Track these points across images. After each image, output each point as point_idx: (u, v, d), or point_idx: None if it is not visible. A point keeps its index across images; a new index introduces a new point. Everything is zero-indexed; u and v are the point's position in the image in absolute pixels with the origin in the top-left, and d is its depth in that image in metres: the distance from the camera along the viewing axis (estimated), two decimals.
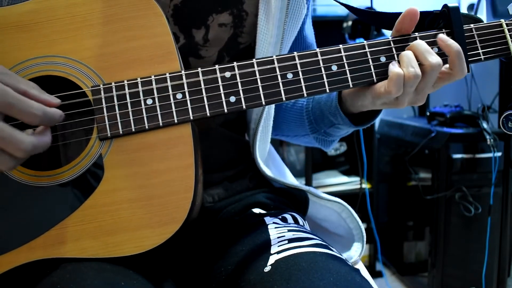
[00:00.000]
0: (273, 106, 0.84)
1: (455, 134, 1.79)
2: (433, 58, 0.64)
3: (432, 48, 0.67)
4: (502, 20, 0.69)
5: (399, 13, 0.70)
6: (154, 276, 0.64)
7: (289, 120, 0.91)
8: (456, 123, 1.87)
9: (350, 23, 2.03)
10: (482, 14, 1.82)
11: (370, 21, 0.78)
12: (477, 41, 0.68)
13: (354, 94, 0.73)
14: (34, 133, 0.57)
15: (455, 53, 0.65)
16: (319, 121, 0.84)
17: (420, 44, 0.65)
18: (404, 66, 0.64)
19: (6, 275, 0.60)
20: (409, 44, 0.67)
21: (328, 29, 1.97)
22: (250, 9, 0.77)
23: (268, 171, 0.83)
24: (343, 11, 2.09)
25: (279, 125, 0.92)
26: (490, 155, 1.76)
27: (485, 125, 1.78)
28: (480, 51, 0.68)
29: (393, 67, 0.65)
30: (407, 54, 0.65)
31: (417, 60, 0.65)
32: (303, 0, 0.78)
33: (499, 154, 1.74)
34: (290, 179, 0.93)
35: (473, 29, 0.69)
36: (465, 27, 0.68)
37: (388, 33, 1.98)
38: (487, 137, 1.74)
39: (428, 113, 1.99)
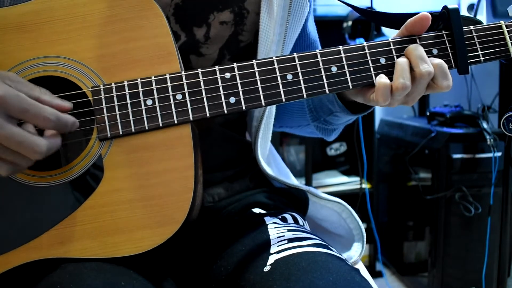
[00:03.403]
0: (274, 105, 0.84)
1: (455, 134, 1.79)
2: (425, 66, 0.64)
3: (431, 50, 0.67)
4: (502, 22, 0.69)
5: (401, 14, 0.70)
6: (154, 276, 0.64)
7: (292, 111, 0.91)
8: (456, 123, 1.87)
9: (350, 23, 2.03)
10: (482, 14, 1.82)
11: (373, 20, 0.78)
12: (477, 42, 0.68)
13: (348, 92, 0.73)
14: (47, 135, 0.59)
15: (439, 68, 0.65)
16: (319, 110, 0.84)
17: (416, 49, 0.65)
18: (395, 76, 0.64)
19: (6, 275, 0.61)
20: (408, 45, 0.67)
21: (328, 29, 1.96)
22: (251, 7, 0.77)
23: (269, 170, 0.83)
24: (343, 11, 2.09)
25: (282, 116, 0.93)
26: (490, 155, 1.75)
27: (485, 125, 1.78)
28: (480, 52, 0.68)
29: (380, 79, 0.65)
30: (401, 63, 0.65)
31: (410, 65, 0.65)
32: None
33: (499, 154, 1.74)
34: (291, 179, 0.93)
35: (473, 31, 0.68)
36: (465, 28, 0.68)
37: (388, 32, 1.99)
38: (487, 137, 1.74)
39: (428, 113, 1.99)
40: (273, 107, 0.84)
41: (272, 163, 0.92)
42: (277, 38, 0.76)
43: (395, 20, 0.72)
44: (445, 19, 0.68)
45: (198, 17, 0.75)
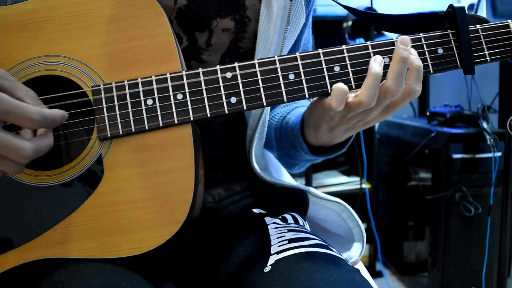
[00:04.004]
0: (269, 112, 0.84)
1: (455, 134, 1.79)
2: (394, 83, 0.62)
3: (437, 49, 0.67)
4: (509, 21, 0.68)
5: (399, 15, 0.70)
6: (155, 276, 0.64)
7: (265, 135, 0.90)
8: (456, 123, 1.87)
9: (350, 23, 2.02)
10: (482, 14, 1.82)
11: (371, 22, 0.78)
12: (483, 42, 0.67)
13: (312, 112, 0.72)
14: (36, 136, 0.56)
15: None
16: (284, 140, 0.83)
17: (397, 59, 0.62)
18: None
19: (6, 275, 0.60)
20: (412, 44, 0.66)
21: (328, 29, 1.96)
22: (252, 15, 0.77)
23: (266, 176, 0.83)
24: (343, 11, 2.07)
25: None
26: (490, 155, 1.76)
27: (485, 125, 1.78)
28: (486, 52, 0.68)
29: (339, 84, 0.63)
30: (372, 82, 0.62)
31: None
32: (302, 10, 0.78)
33: (499, 154, 1.74)
34: (289, 180, 0.93)
35: (479, 30, 0.68)
36: (471, 27, 0.67)
37: (388, 32, 1.99)
38: (487, 137, 1.74)
39: (428, 113, 1.99)
40: (267, 116, 0.83)
41: (269, 166, 0.92)
42: (275, 47, 0.76)
43: (394, 22, 0.72)
44: (451, 18, 0.67)
45: (201, 22, 0.75)
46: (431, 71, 0.67)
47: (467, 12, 0.66)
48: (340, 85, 0.62)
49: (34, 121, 0.54)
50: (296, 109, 0.85)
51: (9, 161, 0.54)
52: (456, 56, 0.67)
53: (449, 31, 0.67)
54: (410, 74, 0.63)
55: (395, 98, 0.63)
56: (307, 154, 0.78)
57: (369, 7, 1.87)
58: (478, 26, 0.68)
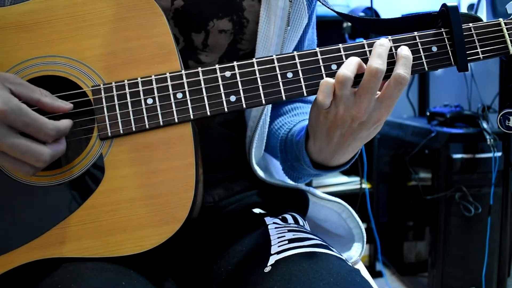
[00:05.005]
0: (269, 113, 0.83)
1: (455, 134, 1.79)
2: (375, 62, 0.62)
3: (431, 47, 0.67)
4: (501, 19, 0.69)
5: (393, 19, 0.70)
6: (155, 276, 0.64)
7: (271, 144, 0.90)
8: (456, 123, 1.87)
9: (349, 23, 2.03)
10: (482, 14, 1.82)
11: (367, 28, 0.78)
12: (476, 40, 0.68)
13: (309, 115, 0.71)
14: (51, 142, 0.59)
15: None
16: (289, 153, 0.83)
17: (376, 45, 0.63)
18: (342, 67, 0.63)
19: (7, 275, 0.61)
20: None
21: (328, 29, 1.96)
22: (250, 16, 0.77)
23: (266, 176, 0.83)
24: (343, 11, 2.08)
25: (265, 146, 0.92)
26: (490, 155, 1.75)
27: (485, 125, 1.78)
28: (479, 50, 0.68)
29: (326, 78, 0.63)
30: (351, 59, 0.63)
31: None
32: (304, 10, 0.77)
33: (499, 154, 1.74)
34: (289, 181, 0.93)
35: (472, 28, 0.68)
36: (464, 26, 0.68)
37: None
38: (487, 137, 1.74)
39: (428, 113, 1.99)
40: (268, 117, 0.83)
41: (270, 166, 0.92)
42: (274, 48, 0.76)
43: (389, 25, 0.73)
44: (444, 16, 0.68)
45: (197, 23, 0.75)
46: (426, 68, 0.67)
47: (466, 11, 0.67)
48: (326, 79, 0.63)
49: (50, 136, 0.58)
50: (303, 122, 0.84)
51: (26, 165, 0.57)
52: (450, 54, 0.68)
53: (442, 30, 0.68)
54: (397, 61, 0.64)
55: (378, 80, 0.62)
56: (309, 168, 0.76)
57: (368, 7, 1.87)
58: (470, 24, 0.68)
